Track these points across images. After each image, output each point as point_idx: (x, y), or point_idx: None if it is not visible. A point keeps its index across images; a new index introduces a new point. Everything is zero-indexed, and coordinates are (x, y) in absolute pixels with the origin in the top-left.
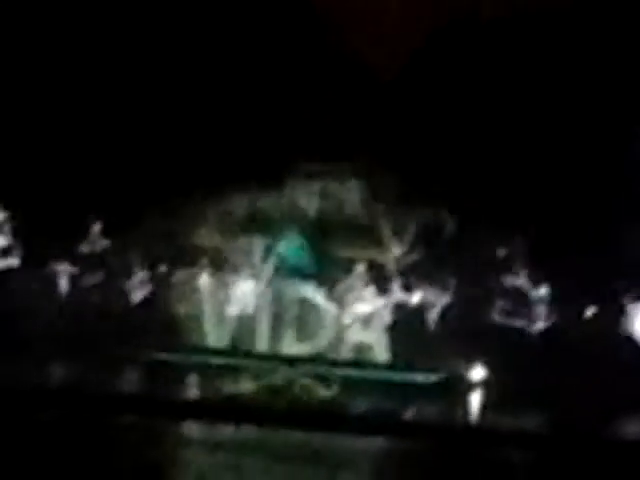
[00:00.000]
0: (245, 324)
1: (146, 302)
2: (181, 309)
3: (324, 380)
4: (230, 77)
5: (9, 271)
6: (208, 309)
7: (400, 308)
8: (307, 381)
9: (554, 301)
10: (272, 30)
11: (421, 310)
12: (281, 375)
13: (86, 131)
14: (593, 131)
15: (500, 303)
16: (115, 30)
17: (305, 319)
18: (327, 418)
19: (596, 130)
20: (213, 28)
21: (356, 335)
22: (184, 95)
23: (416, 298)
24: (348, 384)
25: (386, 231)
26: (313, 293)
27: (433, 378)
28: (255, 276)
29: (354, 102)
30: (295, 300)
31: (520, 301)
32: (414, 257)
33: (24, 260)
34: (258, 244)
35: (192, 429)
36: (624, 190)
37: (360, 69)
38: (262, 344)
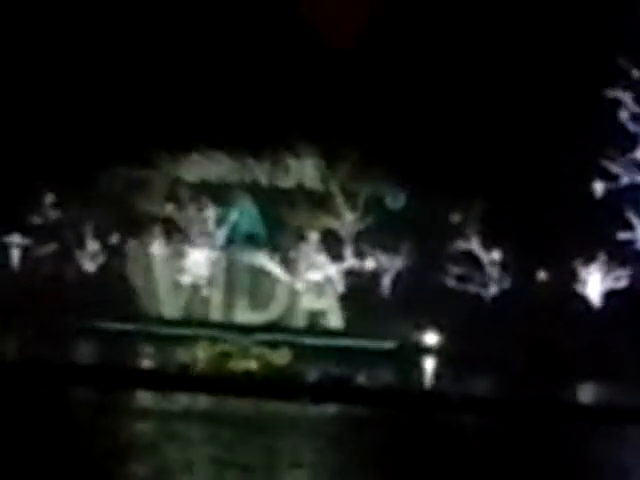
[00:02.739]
0: (199, 293)
1: (99, 272)
2: (134, 279)
3: (278, 348)
4: (191, 50)
5: None
6: (161, 278)
7: (353, 275)
8: (261, 349)
9: (507, 265)
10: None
11: (374, 276)
12: (235, 343)
13: (34, 102)
14: (546, 99)
15: (453, 268)
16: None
17: (258, 287)
18: (281, 385)
19: (549, 98)
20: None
21: (309, 302)
22: (135, 65)
23: (369, 264)
24: (302, 351)
25: (338, 198)
26: (266, 261)
27: (387, 345)
28: (208, 245)
29: (310, 75)
30: (248, 268)
31: (473, 266)
32: (366, 223)
33: None
34: (211, 212)
35: (147, 398)
36: (573, 155)
37: (315, 40)
38: (216, 313)
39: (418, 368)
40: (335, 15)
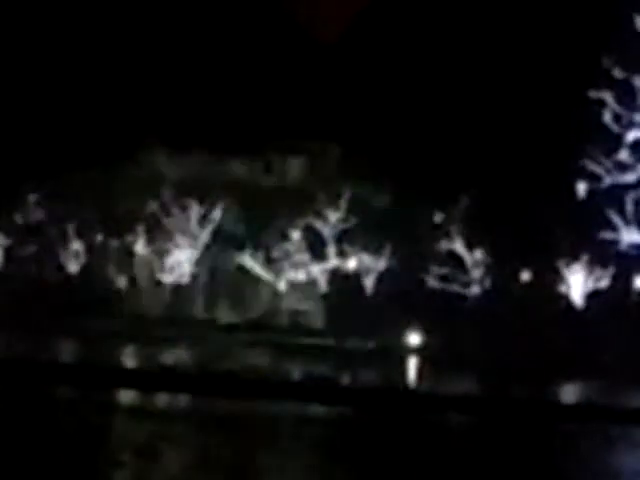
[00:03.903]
0: (182, 292)
1: (82, 271)
2: (117, 278)
3: (260, 347)
4: (175, 50)
5: None
6: (144, 277)
7: (336, 275)
8: (243, 348)
9: (490, 265)
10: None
11: (357, 276)
12: (218, 342)
13: (18, 103)
14: (530, 100)
15: (436, 268)
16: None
17: (241, 287)
18: (264, 385)
19: (533, 99)
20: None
21: (292, 302)
22: (117, 65)
23: (352, 264)
24: (284, 351)
25: (322, 197)
26: (249, 260)
27: (370, 344)
28: (191, 244)
29: (294, 74)
30: (231, 268)
31: (456, 266)
32: (350, 223)
33: None
34: (194, 212)
35: (129, 397)
36: (556, 156)
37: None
38: (199, 312)
39: (401, 367)
40: (321, 10)
